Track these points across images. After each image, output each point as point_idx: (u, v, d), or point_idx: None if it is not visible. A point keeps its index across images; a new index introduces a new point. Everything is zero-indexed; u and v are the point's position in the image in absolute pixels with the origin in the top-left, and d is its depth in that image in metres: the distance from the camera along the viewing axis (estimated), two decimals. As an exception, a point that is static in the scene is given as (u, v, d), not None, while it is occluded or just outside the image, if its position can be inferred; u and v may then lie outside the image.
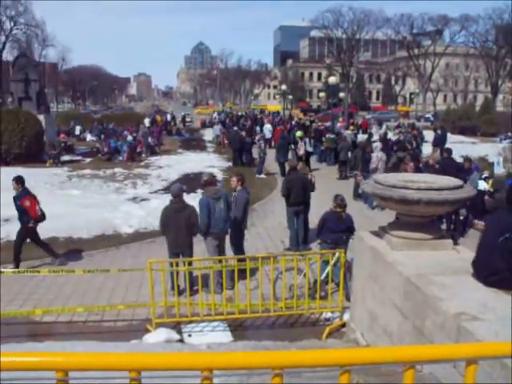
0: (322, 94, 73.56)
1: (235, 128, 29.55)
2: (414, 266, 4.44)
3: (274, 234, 11.48)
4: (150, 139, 27.40)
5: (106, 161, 23.35)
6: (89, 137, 33.38)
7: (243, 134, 24.16)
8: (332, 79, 38.54)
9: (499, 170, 17.52)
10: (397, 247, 4.88)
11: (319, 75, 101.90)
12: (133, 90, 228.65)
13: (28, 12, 62.45)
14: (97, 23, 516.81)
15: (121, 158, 23.71)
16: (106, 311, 7.12)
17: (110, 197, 15.41)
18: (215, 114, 50.94)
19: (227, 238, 8.54)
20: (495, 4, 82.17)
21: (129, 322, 7.02)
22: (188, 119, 53.51)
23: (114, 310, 7.10)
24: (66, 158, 23.91)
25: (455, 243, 5.26)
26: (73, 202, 14.02)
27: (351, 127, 29.56)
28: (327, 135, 23.62)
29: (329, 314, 7.12)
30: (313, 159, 22.58)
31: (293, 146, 21.10)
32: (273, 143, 26.02)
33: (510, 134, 32.46)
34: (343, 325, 6.64)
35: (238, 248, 8.70)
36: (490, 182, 13.84)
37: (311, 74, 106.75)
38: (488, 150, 25.54)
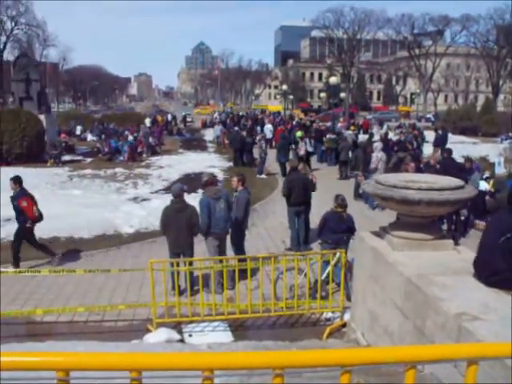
0: (322, 94, 73.53)
1: (236, 128, 29.56)
2: (415, 266, 4.44)
3: (274, 234, 11.48)
4: (150, 139, 27.40)
5: (107, 161, 23.35)
6: (90, 137, 33.39)
7: (244, 134, 24.16)
8: (333, 79, 38.54)
9: (500, 171, 17.53)
10: (398, 247, 4.88)
11: (320, 75, 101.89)
12: (133, 90, 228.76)
13: (29, 12, 62.69)
14: (97, 23, 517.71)
15: (122, 158, 23.72)
16: (106, 311, 7.13)
17: (111, 197, 15.42)
18: (216, 114, 50.96)
19: (228, 238, 8.55)
20: (496, 4, 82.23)
21: (129, 322, 7.02)
22: (189, 119, 53.58)
23: (115, 309, 7.11)
24: (66, 157, 23.92)
25: (456, 243, 5.25)
26: (74, 201, 14.03)
27: (352, 127, 29.53)
28: (328, 135, 23.63)
29: (329, 314, 7.12)
30: (313, 159, 22.59)
31: (293, 146, 21.12)
32: (274, 143, 26.03)
33: (510, 134, 32.42)
34: (344, 325, 6.64)
35: (239, 248, 8.71)
36: (491, 182, 13.83)
37: (312, 74, 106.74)
38: (489, 150, 25.53)
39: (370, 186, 5.09)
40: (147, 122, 35.42)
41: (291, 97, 74.34)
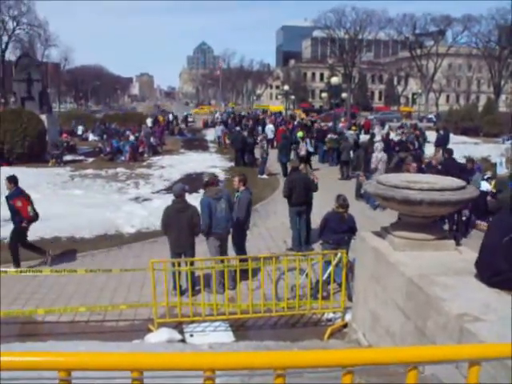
0: (324, 95, 73.53)
1: (237, 128, 29.56)
2: (417, 266, 4.43)
3: (276, 234, 11.48)
4: (152, 139, 27.41)
5: (109, 161, 23.37)
6: (91, 137, 33.43)
7: (245, 134, 24.16)
8: (334, 79, 38.59)
9: (502, 171, 17.50)
10: (399, 248, 4.87)
11: (321, 75, 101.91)
12: (135, 90, 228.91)
13: (31, 12, 62.80)
14: (99, 23, 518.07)
15: (123, 158, 23.74)
16: (108, 311, 7.13)
17: (113, 197, 15.43)
18: (217, 114, 50.96)
19: (229, 238, 8.54)
20: (498, 4, 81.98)
21: (131, 322, 7.02)
22: (190, 119, 53.63)
23: (116, 309, 7.11)
24: (68, 157, 23.95)
25: (457, 244, 5.25)
26: (75, 201, 14.05)
27: (353, 127, 29.53)
28: (329, 135, 23.63)
29: (331, 315, 7.11)
30: (315, 159, 22.61)
31: (295, 146, 21.11)
32: (275, 143, 26.04)
33: (512, 134, 32.40)
34: (345, 325, 6.63)
35: (240, 248, 8.70)
36: (493, 182, 13.82)
37: (313, 74, 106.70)
38: (490, 150, 25.54)
39: (372, 186, 5.09)
40: (149, 121, 35.43)
41: (293, 97, 74.41)
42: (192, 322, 6.74)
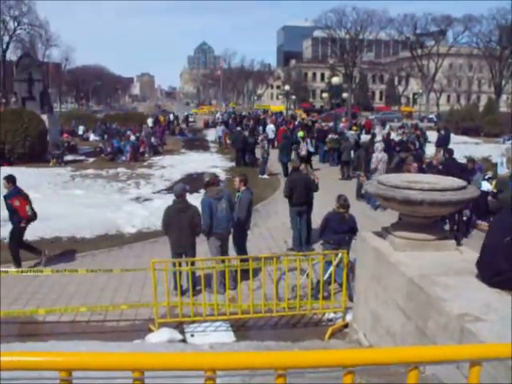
0: (325, 95, 73.59)
1: (238, 128, 29.57)
2: (417, 266, 4.43)
3: (276, 234, 11.48)
4: (153, 139, 27.43)
5: (109, 161, 23.39)
6: (92, 137, 33.46)
7: (246, 134, 24.17)
8: (335, 79, 38.62)
9: (502, 171, 17.50)
10: (400, 248, 4.87)
11: (322, 75, 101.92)
12: (136, 90, 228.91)
13: (32, 12, 62.83)
14: (99, 23, 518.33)
15: (124, 158, 23.76)
16: (108, 311, 7.14)
17: (113, 197, 15.44)
18: (218, 114, 51.00)
19: (230, 238, 8.54)
20: (499, 4, 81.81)
21: (131, 322, 7.03)
22: (191, 119, 53.66)
23: (117, 309, 7.11)
24: (69, 157, 23.97)
25: (458, 244, 5.25)
26: (76, 201, 14.06)
27: (354, 127, 29.55)
28: (330, 136, 23.63)
29: (331, 315, 7.11)
30: (316, 159, 22.61)
31: (295, 146, 21.11)
32: (276, 143, 26.04)
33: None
34: (346, 325, 6.62)
35: (241, 248, 8.70)
36: (494, 182, 13.82)
37: (314, 74, 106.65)
38: (491, 150, 25.52)
39: (373, 186, 5.09)
40: (149, 121, 35.46)
41: (293, 97, 74.34)
42: (193, 322, 6.74)
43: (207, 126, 47.90)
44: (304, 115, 54.16)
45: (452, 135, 26.30)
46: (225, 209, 7.99)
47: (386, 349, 3.48)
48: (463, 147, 26.04)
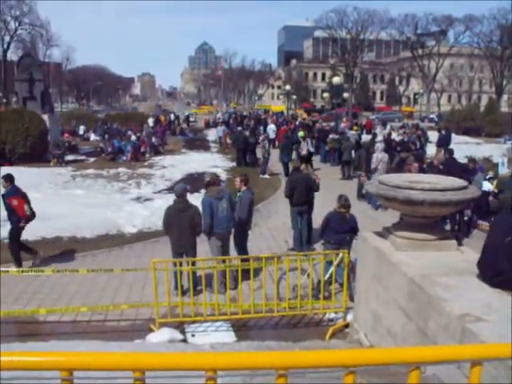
0: (325, 95, 73.69)
1: (239, 128, 29.58)
2: (418, 266, 4.43)
3: (277, 234, 11.48)
4: (153, 139, 27.43)
5: (110, 160, 23.40)
6: (93, 136, 33.46)
7: (247, 134, 24.17)
8: (336, 79, 38.59)
9: (503, 171, 17.50)
10: (401, 248, 4.87)
11: (323, 75, 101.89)
12: (137, 90, 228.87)
13: (33, 12, 62.93)
14: (100, 23, 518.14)
15: (124, 158, 23.77)
16: (109, 311, 7.14)
17: (114, 196, 15.44)
18: (219, 114, 51.03)
19: (231, 238, 8.54)
20: (500, 4, 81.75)
21: (132, 322, 7.03)
22: (192, 119, 53.71)
23: (118, 309, 7.11)
24: (69, 157, 23.97)
25: (459, 244, 5.24)
26: (76, 201, 14.06)
27: (355, 127, 29.53)
28: (331, 135, 23.62)
29: (332, 315, 7.11)
30: (316, 159, 22.60)
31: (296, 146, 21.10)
32: (277, 143, 26.04)
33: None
34: (347, 325, 6.62)
35: (242, 248, 8.70)
36: (495, 182, 13.79)
37: (315, 74, 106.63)
38: (492, 150, 25.49)
39: (374, 186, 5.09)
40: (150, 121, 35.47)
41: (294, 97, 74.34)
42: (193, 321, 6.74)
43: (208, 125, 47.92)
44: (305, 115, 54.17)
45: (453, 135, 26.30)
46: (225, 209, 7.99)
47: (387, 349, 3.48)
48: (464, 147, 26.02)
